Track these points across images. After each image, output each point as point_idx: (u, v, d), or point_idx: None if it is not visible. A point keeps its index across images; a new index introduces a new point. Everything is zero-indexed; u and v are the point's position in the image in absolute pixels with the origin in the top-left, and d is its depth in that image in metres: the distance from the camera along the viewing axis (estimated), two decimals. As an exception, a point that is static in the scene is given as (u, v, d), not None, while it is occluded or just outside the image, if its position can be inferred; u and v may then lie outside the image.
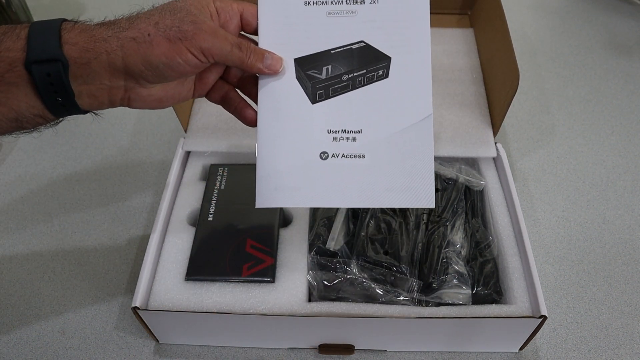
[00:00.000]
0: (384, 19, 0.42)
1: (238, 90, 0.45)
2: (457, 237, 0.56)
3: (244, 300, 0.51)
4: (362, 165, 0.41)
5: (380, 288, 0.51)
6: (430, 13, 0.83)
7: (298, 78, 0.42)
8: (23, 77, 0.35)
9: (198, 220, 0.57)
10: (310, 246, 0.55)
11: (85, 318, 0.57)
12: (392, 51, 0.42)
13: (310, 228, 0.57)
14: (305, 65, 0.41)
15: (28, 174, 0.72)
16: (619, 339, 0.55)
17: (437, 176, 0.61)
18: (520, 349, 0.54)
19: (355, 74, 0.42)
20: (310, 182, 0.41)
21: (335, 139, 0.42)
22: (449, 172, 0.61)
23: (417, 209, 0.57)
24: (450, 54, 0.74)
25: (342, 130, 0.42)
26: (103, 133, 0.77)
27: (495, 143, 0.63)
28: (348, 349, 0.53)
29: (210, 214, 0.57)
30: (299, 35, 0.42)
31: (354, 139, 0.42)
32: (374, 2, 0.42)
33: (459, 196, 0.59)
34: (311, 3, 0.42)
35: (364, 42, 0.42)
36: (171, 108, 0.60)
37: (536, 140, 0.75)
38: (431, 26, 0.86)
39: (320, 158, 0.42)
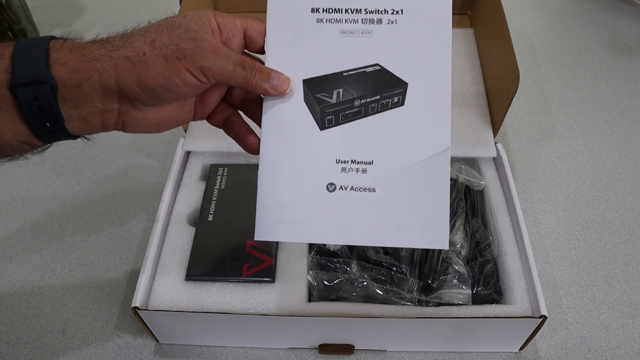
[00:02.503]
0: (403, 41, 0.38)
1: (242, 113, 0.42)
2: (457, 237, 0.56)
3: (244, 300, 0.51)
4: (372, 200, 0.38)
5: (380, 288, 0.51)
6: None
7: (306, 101, 0.39)
8: (7, 101, 0.31)
9: (198, 220, 0.57)
10: (310, 246, 0.55)
11: (85, 318, 0.57)
12: (409, 77, 0.38)
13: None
14: (315, 88, 0.38)
15: (28, 174, 0.72)
16: (619, 339, 0.55)
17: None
18: (520, 349, 0.54)
19: (368, 99, 0.38)
20: (315, 215, 0.38)
21: (344, 169, 0.38)
22: (449, 172, 0.61)
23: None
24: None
25: (351, 160, 0.39)
26: (103, 133, 0.77)
27: (495, 143, 0.63)
28: (348, 349, 0.53)
29: (210, 214, 0.57)
30: (309, 54, 0.39)
31: (364, 171, 0.38)
32: (392, 22, 0.38)
33: (459, 196, 0.59)
34: (324, 21, 0.39)
35: (380, 66, 0.39)
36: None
37: (536, 140, 0.75)
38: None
39: (327, 190, 0.38)
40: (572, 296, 0.59)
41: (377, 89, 0.38)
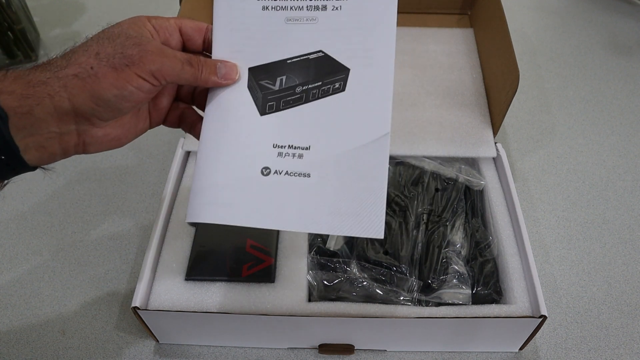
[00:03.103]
0: (346, 27, 0.39)
1: (194, 107, 0.42)
2: (457, 237, 0.56)
3: (244, 300, 0.51)
4: (306, 185, 0.37)
5: (380, 288, 0.51)
6: (430, 13, 0.83)
7: (250, 87, 0.39)
8: None
9: (198, 220, 0.57)
10: (310, 246, 0.55)
11: (85, 318, 0.57)
12: (352, 62, 0.38)
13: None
14: (259, 75, 0.39)
15: (28, 174, 0.71)
16: (619, 339, 0.55)
17: (437, 176, 0.61)
18: (520, 348, 0.54)
19: (310, 85, 0.39)
20: (246, 198, 0.37)
21: (280, 154, 0.38)
22: (449, 172, 0.61)
23: (417, 209, 0.57)
24: (450, 54, 0.74)
25: (289, 145, 0.38)
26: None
27: (495, 143, 0.63)
28: (348, 349, 0.53)
29: (210, 214, 0.57)
30: (255, 42, 0.39)
31: (300, 156, 0.38)
32: (337, 8, 0.39)
33: (459, 196, 0.59)
34: (269, 8, 0.39)
35: (323, 52, 0.39)
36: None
37: (536, 140, 0.75)
38: (431, 26, 0.86)
39: (262, 174, 0.38)
40: (572, 296, 0.59)
41: (319, 76, 0.38)
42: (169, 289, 0.52)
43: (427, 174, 0.60)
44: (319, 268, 0.53)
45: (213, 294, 0.51)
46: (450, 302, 0.51)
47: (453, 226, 0.56)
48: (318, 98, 0.39)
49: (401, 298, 0.51)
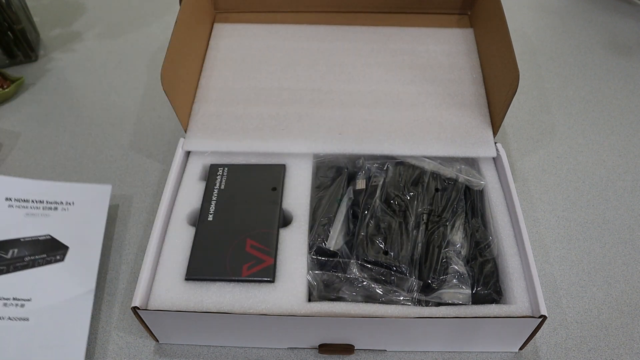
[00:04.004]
0: (71, 220, 0.60)
1: None
2: (457, 237, 0.56)
3: (244, 300, 0.51)
4: (24, 326, 0.52)
5: (380, 288, 0.51)
6: (430, 13, 0.84)
7: None
8: None
9: (198, 220, 0.57)
10: (310, 246, 0.55)
11: (85, 318, 0.57)
12: (70, 242, 0.58)
13: (310, 228, 0.57)
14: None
15: (28, 174, 0.72)
16: (619, 339, 0.55)
17: (437, 176, 0.61)
18: (520, 349, 0.54)
19: (37, 257, 0.56)
20: None
21: (5, 304, 0.53)
22: (449, 172, 0.61)
23: (417, 209, 0.57)
24: (450, 54, 0.74)
25: (13, 298, 0.53)
26: (103, 133, 0.77)
27: (495, 143, 0.63)
28: (348, 349, 0.53)
29: (210, 214, 0.57)
30: None
31: (22, 305, 0.53)
32: (65, 210, 0.61)
33: (459, 196, 0.59)
34: (13, 206, 0.60)
35: (50, 235, 0.58)
36: (171, 108, 0.60)
37: (536, 140, 0.75)
38: (430, 26, 0.86)
39: None
40: (572, 296, 0.59)
41: (44, 250, 0.57)
42: (168, 289, 0.52)
43: (427, 174, 0.60)
44: (319, 268, 0.53)
45: (213, 294, 0.51)
46: (450, 302, 0.51)
47: (453, 226, 0.56)
48: (43, 265, 0.56)
49: (401, 298, 0.51)
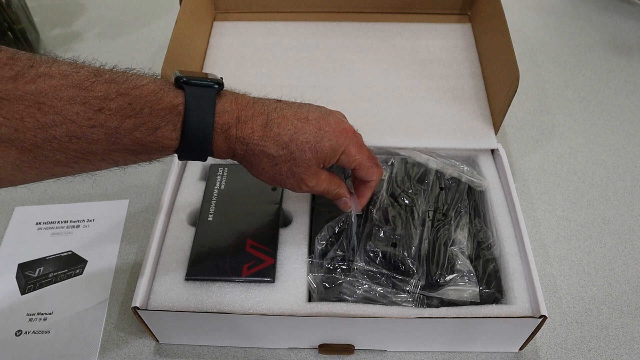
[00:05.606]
0: (90, 237, 0.64)
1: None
2: (462, 236, 0.56)
3: (244, 300, 0.51)
4: (45, 339, 0.54)
5: (380, 288, 0.51)
6: (430, 13, 0.84)
7: (17, 278, 0.59)
8: (170, 150, 0.40)
9: (198, 220, 0.57)
10: (311, 246, 0.55)
11: (85, 318, 0.57)
12: (89, 256, 0.62)
13: (310, 228, 0.57)
14: (26, 268, 0.60)
15: (28, 174, 0.71)
16: (619, 339, 0.55)
17: (441, 175, 0.61)
18: (520, 349, 0.54)
19: (59, 272, 0.60)
20: (6, 356, 0.53)
21: (31, 319, 0.56)
22: (452, 171, 0.61)
23: (422, 207, 0.57)
24: (449, 48, 0.74)
25: (37, 313, 0.56)
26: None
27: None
28: (348, 349, 0.53)
29: (210, 214, 0.57)
30: (28, 247, 0.62)
31: (45, 319, 0.56)
32: (86, 226, 0.65)
33: (462, 197, 0.59)
34: (42, 229, 0.64)
35: (71, 251, 0.62)
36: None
37: (536, 140, 0.75)
38: (429, 22, 0.86)
39: (15, 335, 0.54)
40: (572, 296, 0.59)
41: (66, 266, 0.61)
42: (169, 289, 0.52)
43: (432, 172, 0.61)
44: (319, 269, 0.53)
45: (213, 294, 0.51)
46: (457, 298, 0.51)
47: (457, 225, 0.56)
48: (64, 280, 0.59)
49: (402, 298, 0.51)
